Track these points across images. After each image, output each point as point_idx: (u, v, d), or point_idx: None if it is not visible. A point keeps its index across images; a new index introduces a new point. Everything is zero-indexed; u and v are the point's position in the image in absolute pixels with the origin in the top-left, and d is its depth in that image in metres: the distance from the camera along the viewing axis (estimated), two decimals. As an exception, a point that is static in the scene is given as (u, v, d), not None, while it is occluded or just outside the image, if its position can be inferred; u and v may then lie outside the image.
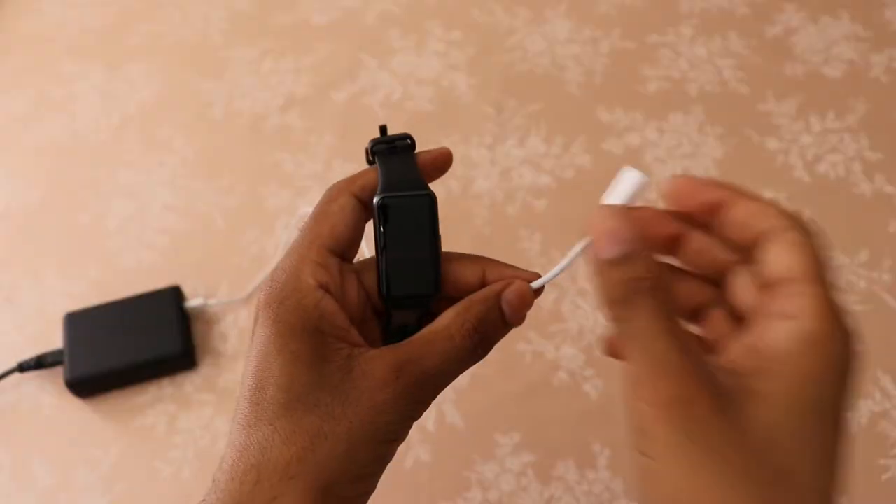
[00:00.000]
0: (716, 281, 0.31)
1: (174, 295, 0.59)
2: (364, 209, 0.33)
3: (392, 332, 0.34)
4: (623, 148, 0.67)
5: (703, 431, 0.24)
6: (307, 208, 0.63)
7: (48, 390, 0.57)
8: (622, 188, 0.30)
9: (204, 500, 0.28)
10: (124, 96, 0.74)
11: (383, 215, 0.32)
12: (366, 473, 0.29)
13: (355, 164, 0.68)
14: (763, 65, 0.72)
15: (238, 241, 0.64)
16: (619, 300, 0.27)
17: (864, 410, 0.53)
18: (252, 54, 0.76)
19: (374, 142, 0.35)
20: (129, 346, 0.56)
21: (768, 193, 0.64)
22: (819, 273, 0.26)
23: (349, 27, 0.78)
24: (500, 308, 0.31)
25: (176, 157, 0.70)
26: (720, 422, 0.24)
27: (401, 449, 0.52)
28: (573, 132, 0.69)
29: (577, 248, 0.30)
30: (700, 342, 0.31)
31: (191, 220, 0.65)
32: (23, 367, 0.57)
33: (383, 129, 0.36)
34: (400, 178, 0.33)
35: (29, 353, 0.58)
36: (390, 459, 0.30)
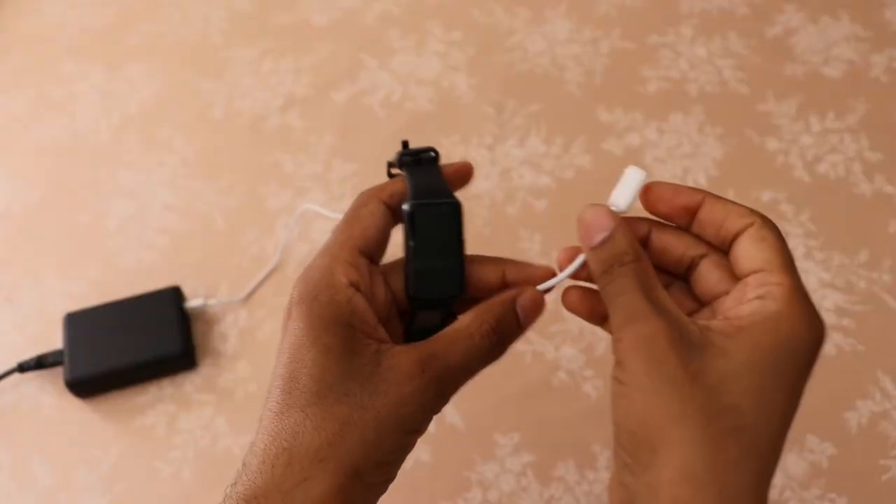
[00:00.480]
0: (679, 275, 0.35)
1: (174, 295, 0.59)
2: (392, 215, 0.35)
3: (415, 331, 0.36)
4: (623, 148, 0.67)
5: (663, 362, 0.28)
6: (308, 205, 0.63)
7: (48, 390, 0.57)
8: (626, 187, 0.33)
9: (234, 484, 0.30)
10: (124, 96, 0.74)
11: (413, 221, 0.34)
12: (390, 461, 0.31)
13: (355, 164, 0.68)
14: (763, 65, 0.72)
15: (238, 241, 0.64)
16: (604, 272, 0.31)
17: (864, 411, 0.53)
18: (252, 54, 0.76)
19: (401, 154, 0.37)
20: (129, 347, 0.56)
21: (768, 194, 0.64)
22: (784, 263, 0.30)
23: (349, 27, 0.78)
24: (516, 311, 0.34)
25: (176, 157, 0.70)
26: (678, 357, 0.28)
27: (401, 449, 0.53)
28: (573, 132, 0.69)
29: (581, 259, 0.34)
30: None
31: (191, 221, 0.65)
32: (23, 368, 0.57)
33: (405, 143, 0.38)
34: (427, 186, 0.35)
35: (29, 353, 0.58)
36: (411, 449, 0.32)
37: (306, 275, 0.33)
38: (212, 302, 0.60)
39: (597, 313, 0.35)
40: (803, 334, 0.28)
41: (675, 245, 0.34)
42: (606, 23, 0.76)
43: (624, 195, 0.33)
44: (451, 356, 0.32)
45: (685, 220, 0.33)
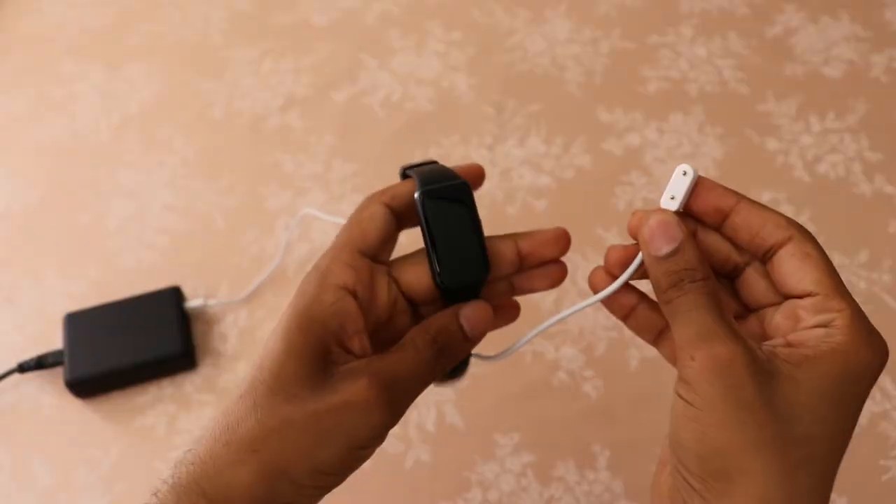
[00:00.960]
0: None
1: (174, 295, 0.59)
2: (395, 218, 0.36)
3: None
4: (623, 148, 0.67)
5: (740, 388, 0.28)
6: (308, 209, 0.63)
7: (48, 391, 0.57)
8: (681, 188, 0.32)
9: (190, 450, 0.32)
10: (124, 96, 0.74)
11: (424, 207, 0.34)
12: (327, 471, 0.31)
13: (355, 164, 0.68)
14: (763, 65, 0.72)
15: (238, 241, 0.64)
16: (673, 285, 0.31)
17: (864, 411, 0.53)
18: (252, 54, 0.76)
19: (405, 167, 0.38)
20: (129, 347, 0.56)
21: (768, 194, 0.64)
22: (838, 286, 0.30)
23: (349, 27, 0.78)
24: (459, 323, 0.34)
25: (176, 157, 0.70)
26: (755, 384, 0.28)
27: (401, 449, 0.53)
28: (573, 132, 0.69)
29: (638, 261, 0.33)
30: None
31: (191, 221, 0.65)
32: (23, 368, 0.57)
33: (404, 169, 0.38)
34: (434, 176, 0.36)
35: (29, 354, 0.58)
36: (361, 463, 0.32)
37: (308, 275, 0.34)
38: (212, 302, 0.60)
39: (625, 306, 0.35)
40: (869, 361, 0.29)
41: (719, 248, 0.33)
42: (606, 23, 0.76)
43: (679, 196, 0.32)
44: (398, 367, 0.32)
45: (716, 220, 0.33)
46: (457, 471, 0.52)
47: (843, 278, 0.59)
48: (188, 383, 0.57)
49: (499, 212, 0.64)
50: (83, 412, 0.56)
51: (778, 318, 0.31)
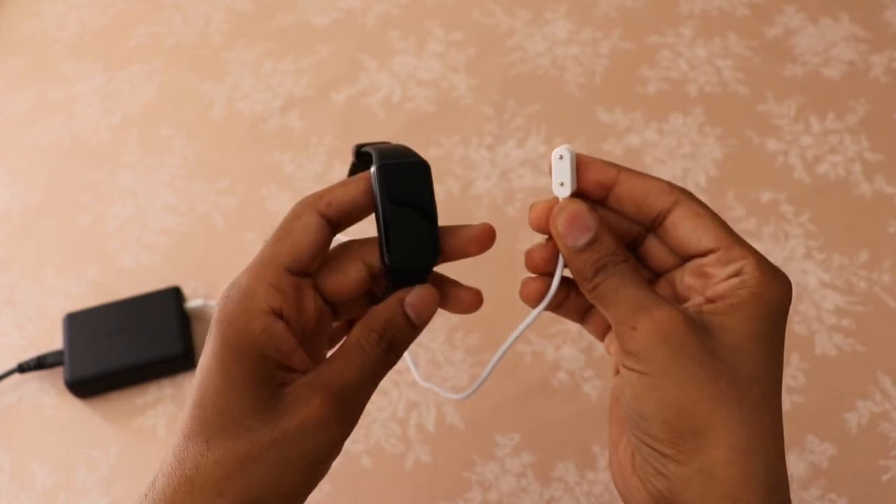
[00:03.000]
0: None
1: (174, 295, 0.59)
2: (330, 227, 0.33)
3: None
4: (623, 149, 0.67)
5: (685, 345, 0.29)
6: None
7: (48, 391, 0.57)
8: (565, 171, 0.32)
9: (145, 495, 0.30)
10: (124, 97, 0.74)
11: (379, 182, 0.32)
12: (294, 492, 0.31)
13: (355, 164, 0.68)
14: (763, 66, 0.72)
15: (238, 241, 0.64)
16: (596, 272, 0.31)
17: (864, 411, 0.53)
18: (252, 55, 0.76)
19: (359, 145, 0.36)
20: (129, 347, 0.56)
21: (768, 194, 0.64)
22: (733, 237, 0.31)
23: (349, 28, 0.78)
24: (405, 313, 0.33)
25: (176, 158, 0.70)
26: (697, 339, 0.29)
27: (401, 449, 0.53)
28: (573, 133, 0.69)
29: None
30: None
31: (191, 221, 0.65)
32: (23, 368, 0.57)
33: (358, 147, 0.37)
34: (393, 152, 0.34)
35: (29, 354, 0.58)
36: (323, 476, 0.32)
37: (228, 294, 0.32)
38: (212, 302, 0.60)
39: (558, 301, 0.35)
40: (781, 294, 0.30)
41: (618, 223, 0.34)
42: (606, 23, 0.76)
43: (567, 180, 0.32)
44: (346, 374, 0.31)
45: (601, 195, 0.33)
46: (457, 471, 0.52)
47: (843, 279, 0.59)
48: (188, 383, 0.57)
49: (499, 212, 0.64)
50: (83, 412, 0.56)
51: (688, 279, 0.32)
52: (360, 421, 0.54)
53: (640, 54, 0.74)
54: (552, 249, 0.33)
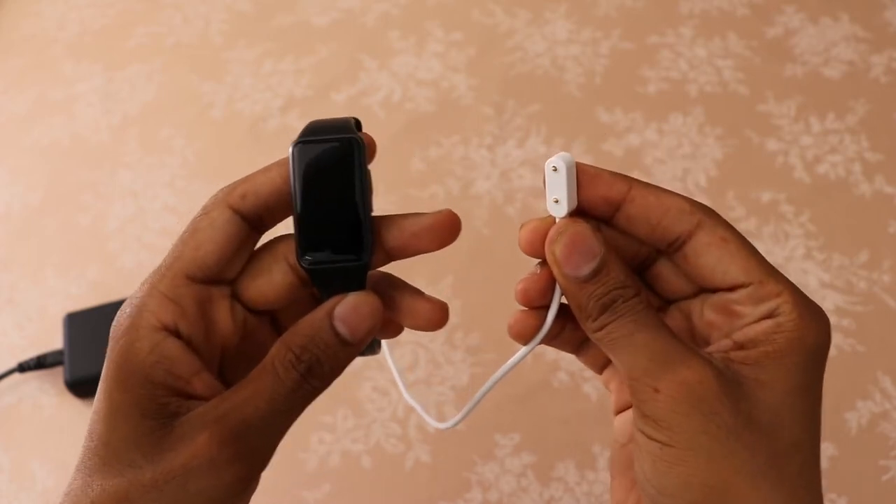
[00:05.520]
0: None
1: (174, 296, 0.58)
2: (244, 223, 0.28)
3: None
4: (623, 149, 0.67)
5: (717, 413, 0.24)
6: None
7: (48, 391, 0.57)
8: (560, 186, 0.27)
9: None
10: (125, 97, 0.74)
11: (295, 163, 0.27)
12: None
13: (355, 164, 0.68)
14: (763, 66, 0.72)
15: (238, 241, 0.64)
16: (602, 311, 0.26)
17: (864, 411, 0.53)
18: (252, 55, 0.76)
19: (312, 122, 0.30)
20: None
21: (768, 194, 0.64)
22: (767, 268, 0.27)
23: (349, 28, 0.78)
24: (334, 328, 0.26)
25: (176, 158, 0.70)
26: (731, 402, 0.25)
27: (401, 449, 0.53)
28: (573, 133, 0.69)
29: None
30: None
31: (191, 221, 0.65)
32: (23, 368, 0.57)
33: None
34: (323, 127, 0.28)
35: (29, 354, 0.58)
36: None
37: (122, 307, 0.28)
38: (212, 302, 0.60)
39: (567, 339, 0.31)
40: (821, 337, 0.27)
41: (625, 245, 0.29)
42: (606, 23, 0.76)
43: (563, 196, 0.27)
44: (251, 405, 0.25)
45: (605, 213, 0.28)
46: (457, 471, 0.52)
47: (843, 279, 0.59)
48: (188, 384, 0.57)
49: (499, 212, 0.64)
50: (83, 412, 0.56)
51: (710, 315, 0.28)
52: (360, 421, 0.54)
53: (640, 54, 0.74)
54: (547, 279, 0.28)
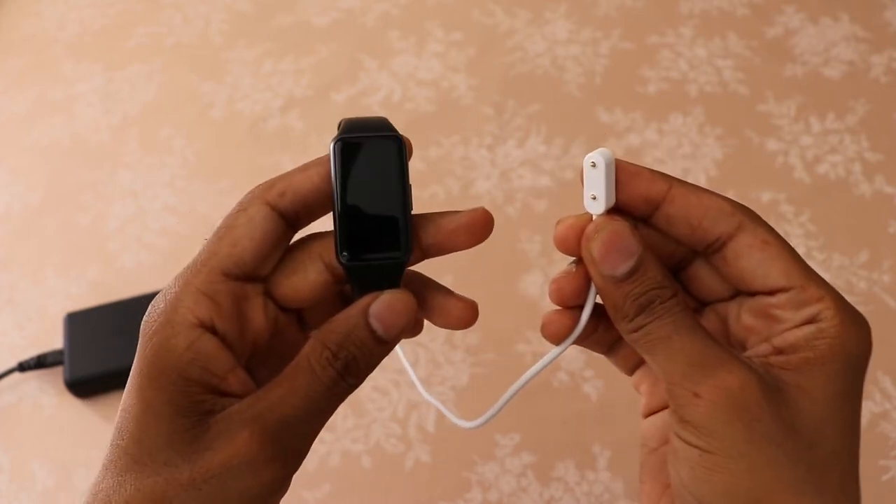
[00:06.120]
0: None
1: (174, 295, 0.58)
2: (282, 221, 0.28)
3: None
4: (623, 149, 0.67)
5: (759, 420, 0.24)
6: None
7: (48, 390, 0.57)
8: (599, 182, 0.27)
9: None
10: (125, 97, 0.74)
11: (337, 159, 0.27)
12: None
13: (355, 164, 0.68)
14: (763, 66, 0.72)
15: (238, 241, 0.64)
16: (639, 311, 0.26)
17: (864, 411, 0.53)
18: (252, 55, 0.76)
19: (345, 119, 0.30)
20: (129, 347, 0.55)
21: (768, 194, 0.64)
22: (808, 272, 0.26)
23: (349, 28, 0.78)
24: (369, 325, 0.27)
25: (176, 158, 0.70)
26: (773, 409, 0.24)
27: (401, 449, 0.53)
28: (573, 133, 0.69)
29: (594, 291, 0.28)
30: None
31: (191, 222, 0.65)
32: (23, 367, 0.57)
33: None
34: (363, 125, 0.28)
35: (29, 354, 0.58)
36: None
37: (154, 302, 0.27)
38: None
39: (600, 339, 0.31)
40: (863, 344, 0.26)
41: (662, 245, 0.28)
42: (606, 23, 0.76)
43: (601, 193, 0.27)
44: (289, 403, 0.26)
45: (643, 212, 0.27)
46: (457, 471, 0.52)
47: (843, 279, 0.59)
48: (188, 384, 0.57)
49: (499, 212, 0.64)
50: (83, 412, 0.56)
51: (748, 319, 0.27)
52: (360, 421, 0.54)
53: (640, 54, 0.74)
54: (582, 277, 0.28)
